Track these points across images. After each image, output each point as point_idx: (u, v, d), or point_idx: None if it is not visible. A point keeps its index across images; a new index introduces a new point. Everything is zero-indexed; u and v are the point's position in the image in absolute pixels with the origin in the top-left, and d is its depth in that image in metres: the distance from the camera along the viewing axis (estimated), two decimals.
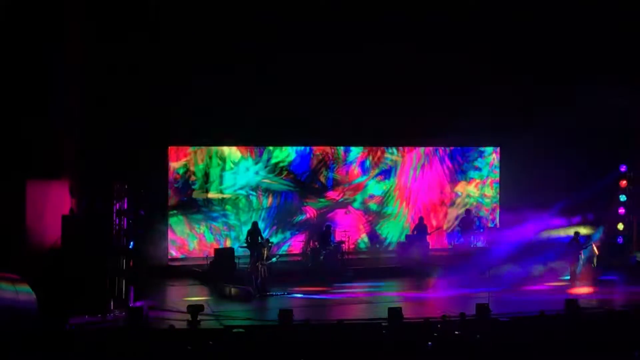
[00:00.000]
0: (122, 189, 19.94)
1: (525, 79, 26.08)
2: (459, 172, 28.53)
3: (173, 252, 25.47)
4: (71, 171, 21.20)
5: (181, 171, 25.66)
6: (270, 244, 22.94)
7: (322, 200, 27.14)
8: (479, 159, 28.78)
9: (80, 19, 21.39)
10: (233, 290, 21.37)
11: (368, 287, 22.77)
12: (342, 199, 27.37)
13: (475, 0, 25.61)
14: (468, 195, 28.48)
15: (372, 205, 27.70)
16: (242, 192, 26.22)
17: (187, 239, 25.72)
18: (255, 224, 24.06)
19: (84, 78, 21.64)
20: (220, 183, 26.04)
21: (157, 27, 23.34)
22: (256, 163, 26.40)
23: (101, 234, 19.40)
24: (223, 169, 26.06)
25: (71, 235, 19.11)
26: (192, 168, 25.76)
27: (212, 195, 25.97)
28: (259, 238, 23.06)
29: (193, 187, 25.80)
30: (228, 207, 26.03)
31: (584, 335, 15.26)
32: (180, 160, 25.66)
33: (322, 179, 27.20)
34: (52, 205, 19.99)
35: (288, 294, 21.52)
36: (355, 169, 27.51)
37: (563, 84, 25.89)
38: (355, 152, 27.51)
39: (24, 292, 16.09)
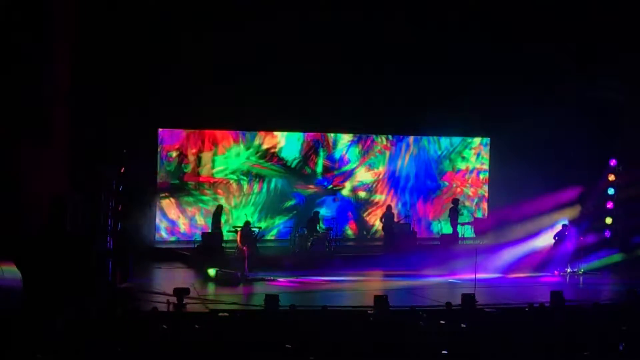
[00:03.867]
0: (111, 171, 19.90)
1: (517, 70, 26.08)
2: (448, 162, 28.59)
3: (163, 234, 25.47)
4: (61, 152, 21.12)
5: (171, 154, 25.65)
6: (258, 229, 23.00)
7: (311, 186, 27.13)
8: (468, 149, 28.85)
9: (70, 1, 21.24)
10: (220, 274, 21.35)
11: (355, 275, 22.76)
12: (331, 186, 27.38)
13: None
14: (456, 185, 28.60)
15: (361, 193, 27.72)
16: (232, 176, 26.23)
17: (176, 221, 25.70)
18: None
19: (73, 57, 21.53)
20: (210, 167, 26.03)
21: (149, 8, 23.25)
22: (247, 148, 26.40)
23: (90, 214, 19.38)
24: (213, 153, 26.05)
25: (59, 215, 19.06)
26: (181, 151, 25.74)
27: (201, 178, 25.97)
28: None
29: (181, 170, 25.79)
30: (210, 190, 26.00)
31: (569, 327, 15.30)
32: (170, 143, 25.65)
33: (312, 165, 27.20)
34: (40, 186, 19.92)
35: (274, 279, 21.51)
36: (345, 157, 27.51)
37: (554, 76, 25.94)
38: (346, 139, 27.51)
39: (9, 271, 16.04)
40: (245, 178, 26.33)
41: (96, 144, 21.87)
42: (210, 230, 24.37)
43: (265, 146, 26.59)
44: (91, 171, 19.99)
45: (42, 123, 20.27)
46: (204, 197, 25.96)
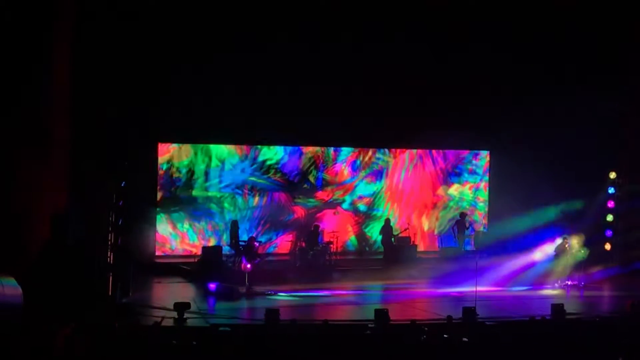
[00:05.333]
0: (112, 185, 19.90)
1: (518, 84, 26.13)
2: (448, 175, 28.60)
3: (163, 249, 25.47)
4: (61, 166, 21.11)
5: (169, 167, 25.65)
6: (258, 243, 23.00)
7: (311, 200, 27.15)
8: (469, 163, 28.87)
9: (70, 17, 21.22)
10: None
11: (355, 288, 22.73)
12: (331, 200, 27.39)
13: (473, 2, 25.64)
14: (457, 199, 28.59)
15: (361, 206, 27.73)
16: (230, 190, 26.24)
17: (174, 236, 25.69)
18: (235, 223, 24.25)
19: (73, 70, 21.52)
20: (208, 180, 26.04)
21: (147, 22, 23.26)
22: (246, 162, 26.41)
23: (90, 229, 19.38)
24: (214, 167, 26.07)
25: (60, 229, 19.04)
26: (182, 165, 25.76)
27: (199, 193, 25.97)
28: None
29: (182, 184, 25.81)
30: (212, 204, 26.01)
31: (570, 340, 15.29)
32: (170, 157, 25.68)
33: (312, 179, 27.21)
34: (40, 201, 19.91)
35: (275, 293, 21.48)
36: (345, 170, 27.53)
37: (555, 90, 25.95)
38: (346, 152, 27.54)
39: (9, 285, 16.02)
40: (242, 192, 26.32)
41: (96, 158, 21.85)
42: (228, 245, 24.41)
43: (263, 159, 26.60)
44: (91, 185, 19.97)
45: (42, 137, 20.24)
46: (205, 211, 25.95)
